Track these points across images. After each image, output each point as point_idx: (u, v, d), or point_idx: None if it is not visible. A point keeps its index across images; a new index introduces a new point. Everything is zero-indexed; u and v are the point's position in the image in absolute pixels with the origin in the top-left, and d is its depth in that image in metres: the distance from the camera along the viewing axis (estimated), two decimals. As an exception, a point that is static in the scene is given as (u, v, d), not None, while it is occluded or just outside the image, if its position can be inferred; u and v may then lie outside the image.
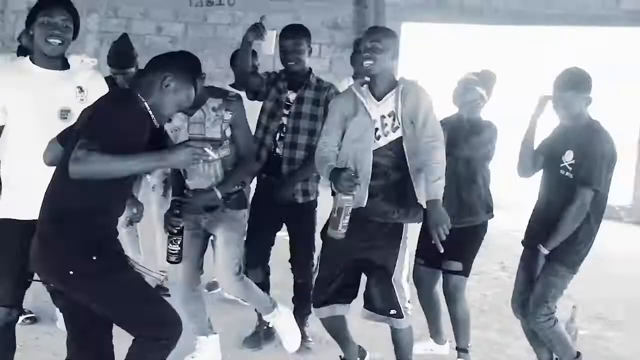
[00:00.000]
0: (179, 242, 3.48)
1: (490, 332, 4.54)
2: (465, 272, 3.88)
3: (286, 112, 4.01)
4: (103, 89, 3.21)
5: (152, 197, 4.86)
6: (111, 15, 9.55)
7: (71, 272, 2.58)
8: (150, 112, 2.69)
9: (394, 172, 3.32)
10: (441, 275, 3.98)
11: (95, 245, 2.61)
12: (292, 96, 4.01)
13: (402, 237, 3.37)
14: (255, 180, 4.19)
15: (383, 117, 3.32)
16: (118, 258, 2.73)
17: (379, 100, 3.35)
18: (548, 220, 3.52)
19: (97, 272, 2.60)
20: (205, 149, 2.56)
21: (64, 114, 3.06)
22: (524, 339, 3.96)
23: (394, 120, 3.31)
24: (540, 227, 3.60)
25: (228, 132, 3.60)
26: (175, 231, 3.46)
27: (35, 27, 3.00)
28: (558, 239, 3.46)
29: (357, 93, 3.37)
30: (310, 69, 4.10)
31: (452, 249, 3.69)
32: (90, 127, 2.57)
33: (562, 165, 3.48)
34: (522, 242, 3.77)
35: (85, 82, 3.15)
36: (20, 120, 3.01)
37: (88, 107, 2.74)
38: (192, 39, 9.59)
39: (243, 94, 4.01)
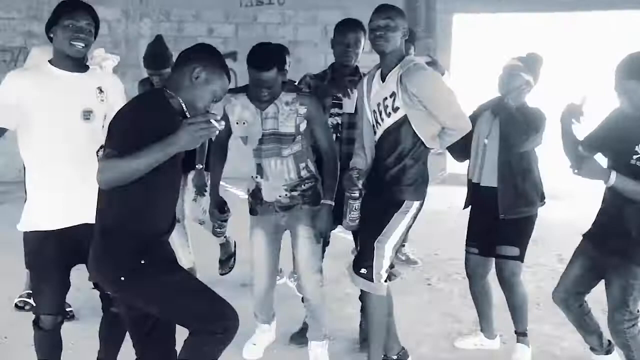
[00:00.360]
0: (225, 226, 3.86)
1: (545, 325, 4.43)
2: (521, 258, 3.82)
3: (339, 110, 3.96)
4: (120, 89, 3.28)
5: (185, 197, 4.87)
6: (163, 19, 9.66)
7: (122, 279, 2.65)
8: (184, 107, 2.69)
9: (395, 156, 3.44)
10: (493, 263, 3.93)
11: (143, 250, 2.66)
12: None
13: (403, 209, 3.45)
14: None
15: (380, 102, 3.41)
16: (166, 260, 2.78)
17: (383, 82, 3.41)
18: (619, 215, 3.32)
19: (146, 275, 2.65)
20: (211, 119, 2.49)
21: (87, 114, 3.09)
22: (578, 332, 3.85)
23: (394, 101, 3.33)
24: (610, 221, 3.41)
25: (302, 127, 3.58)
26: (224, 224, 3.77)
27: (58, 30, 3.03)
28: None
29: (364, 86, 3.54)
30: (357, 65, 4.04)
31: (508, 234, 3.77)
32: (112, 136, 2.62)
33: (636, 156, 3.21)
34: (586, 234, 3.57)
35: (104, 83, 3.18)
36: (44, 124, 3.02)
37: (117, 113, 2.76)
38: (243, 39, 9.63)
39: None
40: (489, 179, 3.78)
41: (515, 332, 3.98)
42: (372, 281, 3.43)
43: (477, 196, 3.89)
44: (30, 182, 3.15)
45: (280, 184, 3.63)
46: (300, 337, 4.14)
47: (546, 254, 5.78)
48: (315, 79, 4.05)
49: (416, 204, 3.48)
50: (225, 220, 3.93)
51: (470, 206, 4.01)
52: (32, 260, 3.15)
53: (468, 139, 3.81)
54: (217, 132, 2.54)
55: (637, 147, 3.20)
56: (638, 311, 3.41)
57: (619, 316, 3.37)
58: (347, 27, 3.92)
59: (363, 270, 3.44)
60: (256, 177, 3.66)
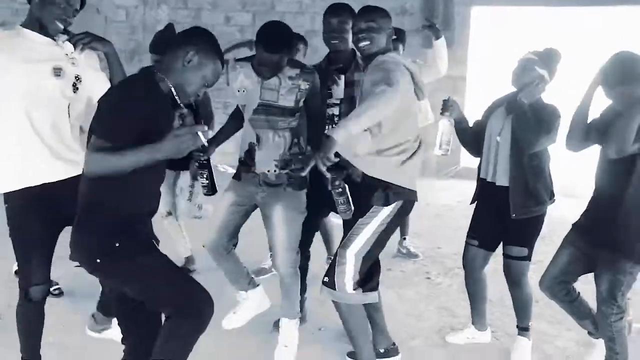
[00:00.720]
0: (205, 175, 3.67)
1: (542, 322, 4.38)
2: (529, 257, 3.79)
3: (336, 100, 3.93)
4: (91, 57, 3.31)
5: (179, 199, 4.93)
6: (181, 6, 9.67)
7: (98, 260, 2.65)
8: (174, 91, 2.67)
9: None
10: (490, 258, 3.93)
11: (119, 231, 2.65)
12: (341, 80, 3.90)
13: (368, 215, 3.33)
14: None
15: None
16: (143, 242, 2.75)
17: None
18: (610, 206, 3.32)
19: (121, 257, 2.65)
20: (199, 132, 2.49)
21: (57, 71, 3.14)
22: (574, 331, 3.83)
23: None
24: (600, 213, 3.41)
25: (302, 103, 3.62)
26: (204, 162, 3.62)
27: (46, 1, 3.08)
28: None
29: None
30: (354, 49, 3.93)
31: (517, 235, 3.74)
32: (100, 123, 2.59)
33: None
34: (575, 224, 3.56)
35: (71, 50, 3.18)
36: (15, 78, 3.05)
37: (103, 95, 2.74)
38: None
39: None
40: (500, 177, 3.73)
41: (518, 327, 3.97)
42: (334, 289, 3.32)
43: (486, 193, 3.84)
44: (5, 144, 3.13)
45: (272, 158, 3.63)
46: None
47: (552, 252, 5.68)
48: (318, 70, 4.00)
49: (385, 210, 3.34)
50: (207, 162, 3.79)
51: (477, 201, 3.98)
52: (16, 227, 3.17)
53: (481, 134, 3.79)
54: (204, 142, 2.53)
55: None
56: (626, 304, 3.39)
57: (606, 310, 3.35)
58: (330, 12, 3.89)
59: (325, 278, 3.37)
60: (255, 145, 3.66)
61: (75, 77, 3.20)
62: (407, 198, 3.41)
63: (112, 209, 2.64)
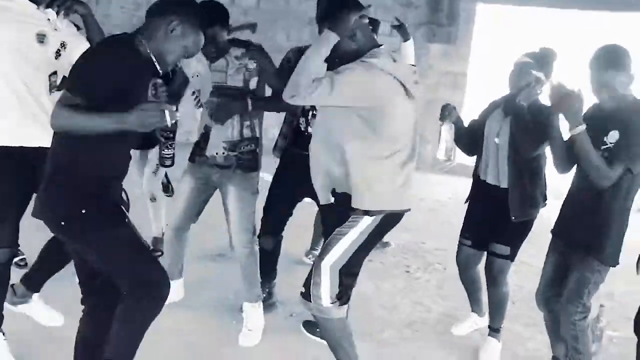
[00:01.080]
0: (172, 146, 3.65)
1: (516, 324, 4.38)
2: (512, 257, 3.81)
3: None
4: (72, 28, 3.32)
5: (145, 169, 4.86)
6: (186, -16, 9.62)
7: (62, 223, 2.64)
8: (153, 58, 2.63)
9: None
10: (484, 256, 3.93)
11: (86, 199, 2.61)
12: None
13: (347, 224, 3.06)
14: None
15: None
16: (110, 211, 2.71)
17: None
18: (582, 207, 3.31)
19: (86, 224, 2.62)
20: (165, 110, 2.48)
21: (41, 37, 3.16)
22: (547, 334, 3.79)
23: None
24: (573, 214, 3.38)
25: (253, 84, 3.63)
26: (170, 135, 3.62)
27: None
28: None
29: None
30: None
31: (503, 233, 3.75)
32: (75, 78, 2.57)
33: (604, 147, 3.16)
34: (553, 231, 3.53)
35: (52, 16, 3.18)
36: None
37: (82, 53, 2.72)
38: (264, 11, 9.58)
39: None
40: (497, 179, 3.74)
41: (489, 327, 3.98)
42: (309, 301, 3.13)
43: (482, 193, 3.86)
44: None
45: (220, 140, 3.69)
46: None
47: (537, 255, 5.65)
48: (298, 52, 3.97)
49: (366, 219, 3.04)
50: (173, 135, 3.73)
51: (470, 201, 4.00)
52: None
53: (478, 134, 3.79)
54: (168, 123, 2.51)
55: (606, 137, 3.16)
56: (590, 304, 3.37)
57: (571, 307, 3.33)
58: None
59: (302, 289, 3.18)
60: (210, 128, 3.74)
61: (61, 43, 3.21)
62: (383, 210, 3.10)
63: (80, 170, 2.61)
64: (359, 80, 2.89)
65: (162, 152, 3.67)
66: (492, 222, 3.77)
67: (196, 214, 3.96)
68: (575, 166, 3.38)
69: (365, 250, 3.15)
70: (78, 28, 3.37)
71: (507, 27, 9.14)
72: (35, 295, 3.67)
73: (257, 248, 3.85)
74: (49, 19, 3.16)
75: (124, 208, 2.81)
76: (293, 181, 3.95)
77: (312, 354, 3.78)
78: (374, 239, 3.13)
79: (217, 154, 3.72)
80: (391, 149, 3.00)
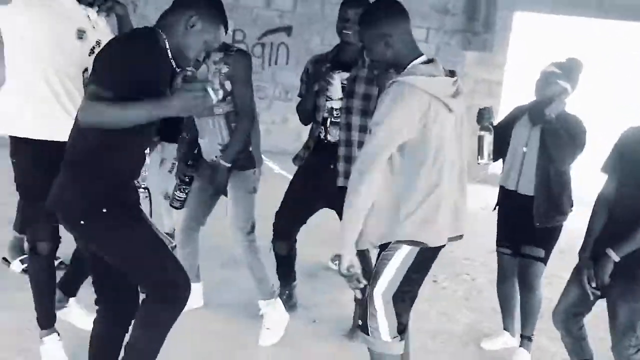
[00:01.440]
0: (186, 191, 3.81)
1: (543, 337, 4.26)
2: (545, 260, 3.78)
3: (332, 96, 3.82)
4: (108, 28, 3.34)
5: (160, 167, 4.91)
6: (223, -14, 9.65)
7: (82, 222, 2.57)
8: (170, 54, 2.59)
9: None
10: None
11: (107, 196, 2.56)
12: (343, 76, 3.77)
13: (388, 250, 2.81)
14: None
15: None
16: (130, 211, 2.66)
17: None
18: (625, 231, 3.14)
19: (106, 223, 2.57)
20: (209, 89, 2.42)
21: (81, 34, 3.15)
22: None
23: None
24: (612, 240, 3.19)
25: (228, 86, 3.63)
26: (187, 180, 3.79)
27: None
28: (632, 245, 3.11)
29: None
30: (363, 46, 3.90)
31: (536, 236, 3.73)
32: (102, 71, 2.50)
33: None
34: (584, 253, 3.31)
35: (92, 15, 3.23)
36: (40, 36, 3.05)
37: (104, 47, 2.68)
38: (300, 14, 9.57)
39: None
40: (524, 186, 3.74)
41: (521, 336, 3.94)
42: (367, 334, 2.88)
43: (509, 200, 3.85)
44: (17, 91, 3.13)
45: (215, 143, 3.73)
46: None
47: (569, 268, 5.58)
48: (315, 63, 3.93)
49: (406, 247, 2.77)
50: (190, 180, 3.89)
51: (498, 207, 3.98)
52: (23, 181, 3.18)
53: (501, 140, 3.73)
54: (214, 103, 2.46)
55: None
56: None
57: (626, 341, 3.18)
58: (347, 3, 3.76)
59: (359, 321, 2.96)
60: (201, 138, 3.80)
61: (97, 42, 3.21)
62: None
63: (101, 168, 2.55)
64: (397, 119, 2.66)
65: (175, 192, 3.82)
66: (522, 228, 3.76)
67: (203, 215, 4.00)
68: (611, 194, 3.28)
69: (417, 273, 2.85)
70: None
71: (545, 35, 9.02)
72: (72, 300, 3.66)
73: (256, 244, 3.82)
74: (88, 16, 3.18)
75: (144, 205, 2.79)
76: (310, 189, 3.90)
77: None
78: (420, 263, 2.83)
79: (215, 157, 3.74)
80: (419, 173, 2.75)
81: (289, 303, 4.17)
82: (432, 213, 2.75)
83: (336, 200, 3.73)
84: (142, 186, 4.04)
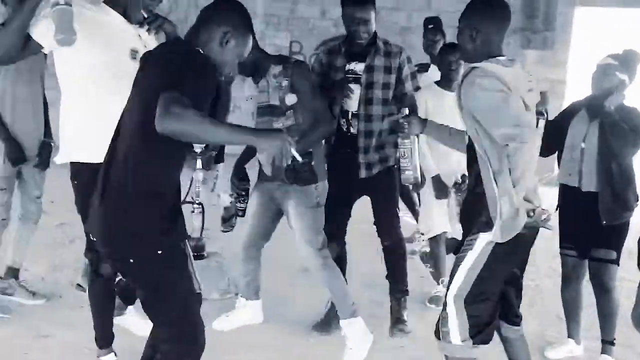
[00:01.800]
0: (245, 201, 3.89)
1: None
2: (617, 261, 3.72)
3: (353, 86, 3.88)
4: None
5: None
6: (277, -2, 9.75)
7: (132, 260, 2.48)
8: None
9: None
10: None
11: (162, 232, 2.47)
12: (359, 67, 3.81)
13: (465, 245, 2.88)
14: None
15: None
16: (179, 255, 2.57)
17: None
18: None
19: (156, 266, 2.50)
20: (291, 147, 2.41)
21: (134, 54, 3.14)
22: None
23: None
24: None
25: (289, 100, 3.58)
26: (243, 193, 3.86)
27: None
28: None
29: None
30: (375, 32, 3.83)
31: (606, 238, 3.66)
32: (180, 78, 2.35)
33: None
34: None
35: (142, 33, 3.22)
36: (96, 56, 3.05)
37: (150, 57, 2.64)
38: (355, 22, 9.57)
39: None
40: (587, 184, 3.68)
41: (603, 341, 3.85)
42: (439, 339, 2.90)
43: (571, 199, 3.77)
44: (72, 115, 3.14)
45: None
46: (322, 324, 4.10)
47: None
48: (329, 54, 3.94)
49: (480, 240, 2.78)
50: (246, 192, 3.95)
51: (560, 207, 3.87)
52: (85, 203, 3.04)
53: (555, 137, 3.64)
54: (288, 160, 2.43)
55: None
56: None
57: None
58: (354, 3, 3.75)
59: (435, 326, 2.95)
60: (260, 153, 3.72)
61: None
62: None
63: (154, 194, 2.44)
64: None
65: (237, 204, 3.93)
66: (588, 227, 3.68)
67: (266, 232, 3.94)
68: None
69: (492, 272, 2.81)
70: None
71: (608, 30, 8.75)
72: (131, 308, 3.72)
73: (330, 261, 3.73)
74: (139, 35, 3.20)
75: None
76: (344, 182, 3.90)
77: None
78: (496, 262, 2.79)
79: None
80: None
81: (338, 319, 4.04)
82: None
83: (368, 188, 3.93)
84: (197, 202, 4.13)
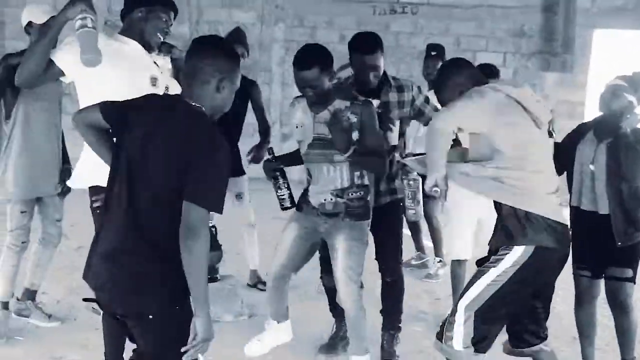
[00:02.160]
0: (286, 185, 3.67)
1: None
2: (634, 279, 3.73)
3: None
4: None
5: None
6: (297, 24, 9.82)
7: (150, 317, 2.43)
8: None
9: None
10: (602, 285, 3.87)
11: (181, 291, 2.43)
12: (375, 103, 3.77)
13: (493, 259, 3.04)
14: None
15: None
16: (190, 310, 2.48)
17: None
18: None
19: (172, 321, 2.47)
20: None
21: (154, 81, 3.24)
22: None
23: None
24: None
25: (354, 136, 3.51)
26: (277, 175, 3.65)
27: (150, 15, 3.23)
28: None
29: None
30: (384, 71, 3.91)
31: (621, 256, 3.67)
32: (207, 195, 2.41)
33: None
34: None
35: (160, 61, 3.35)
36: (118, 85, 3.10)
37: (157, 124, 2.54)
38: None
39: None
40: (595, 204, 3.68)
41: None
42: (440, 341, 3.04)
43: (584, 221, 3.75)
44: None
45: (329, 189, 3.59)
46: (329, 347, 4.15)
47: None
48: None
49: (509, 257, 2.92)
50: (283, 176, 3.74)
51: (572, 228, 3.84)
52: None
53: (563, 158, 3.66)
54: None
55: None
56: None
57: None
58: (361, 46, 3.82)
59: (438, 328, 3.11)
60: (309, 179, 3.69)
61: (165, 87, 3.32)
62: (548, 244, 2.93)
63: (176, 255, 2.36)
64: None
65: (277, 194, 3.68)
66: (602, 248, 3.67)
67: (298, 264, 3.80)
68: None
69: (510, 294, 2.92)
70: None
71: (627, 52, 8.74)
72: None
73: (362, 301, 3.68)
74: (155, 62, 3.30)
75: None
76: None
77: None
78: (519, 281, 2.91)
79: (324, 200, 3.61)
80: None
81: (345, 342, 4.06)
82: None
83: (374, 220, 3.77)
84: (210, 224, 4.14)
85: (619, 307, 3.74)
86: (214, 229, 4.28)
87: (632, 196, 3.60)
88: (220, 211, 2.43)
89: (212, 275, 4.57)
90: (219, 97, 2.57)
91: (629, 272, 3.68)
